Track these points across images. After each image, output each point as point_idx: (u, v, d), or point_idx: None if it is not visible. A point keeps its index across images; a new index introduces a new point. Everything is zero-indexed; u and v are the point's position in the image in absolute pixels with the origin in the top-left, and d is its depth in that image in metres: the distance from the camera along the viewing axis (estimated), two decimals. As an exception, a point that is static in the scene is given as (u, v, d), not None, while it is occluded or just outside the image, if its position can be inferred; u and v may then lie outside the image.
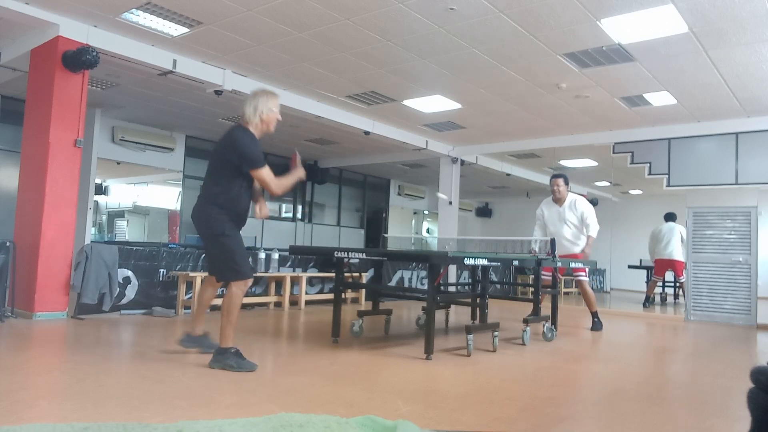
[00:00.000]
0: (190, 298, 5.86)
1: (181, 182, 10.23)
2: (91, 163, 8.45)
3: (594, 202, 14.00)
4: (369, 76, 6.62)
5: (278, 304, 6.89)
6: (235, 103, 7.29)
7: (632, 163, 8.42)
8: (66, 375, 3.12)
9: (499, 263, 6.26)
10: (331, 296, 5.77)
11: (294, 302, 7.04)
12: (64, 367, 3.35)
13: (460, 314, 6.81)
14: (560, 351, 4.61)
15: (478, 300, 5.21)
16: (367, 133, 8.74)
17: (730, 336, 6.17)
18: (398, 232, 14.29)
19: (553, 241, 5.47)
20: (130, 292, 5.69)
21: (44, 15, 5.17)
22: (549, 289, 5.60)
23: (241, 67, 6.44)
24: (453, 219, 10.52)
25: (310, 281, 7.43)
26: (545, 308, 5.42)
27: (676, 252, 9.22)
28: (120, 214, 10.24)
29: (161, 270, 5.96)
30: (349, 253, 4.19)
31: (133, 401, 2.55)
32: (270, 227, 11.84)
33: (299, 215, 12.86)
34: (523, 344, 4.72)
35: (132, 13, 5.16)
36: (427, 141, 9.86)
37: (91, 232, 8.68)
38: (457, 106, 7.70)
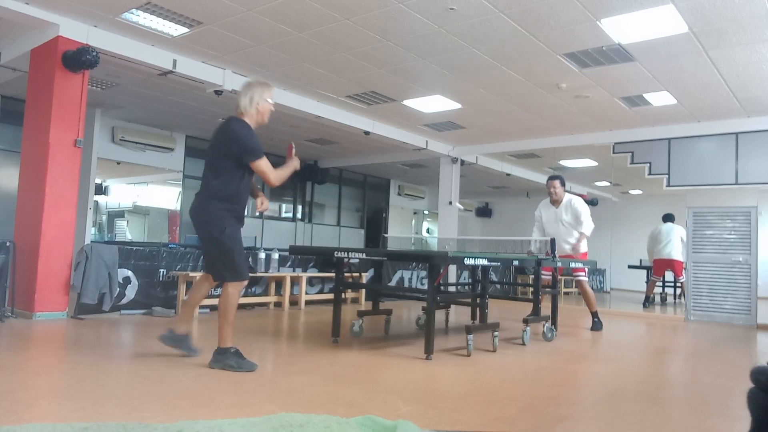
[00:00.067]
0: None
1: (181, 182, 10.23)
2: (91, 163, 8.46)
3: (594, 202, 14.03)
4: (369, 76, 6.62)
5: (278, 304, 6.89)
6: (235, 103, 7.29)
7: (632, 163, 8.42)
8: (66, 375, 3.12)
9: (499, 263, 6.26)
10: (331, 296, 5.77)
11: (294, 302, 7.04)
12: (64, 367, 3.35)
13: (460, 314, 6.81)
14: (560, 351, 4.61)
15: (478, 300, 5.21)
16: (367, 133, 8.74)
17: (730, 336, 6.17)
18: (398, 232, 14.29)
19: (553, 241, 5.47)
20: (130, 292, 5.69)
21: (44, 15, 5.17)
22: (549, 289, 5.60)
23: (241, 67, 6.44)
24: (453, 219, 10.52)
25: (310, 281, 7.43)
26: (545, 308, 5.41)
27: (675, 252, 9.24)
28: (120, 214, 10.24)
29: (161, 270, 5.97)
30: (349, 253, 4.19)
31: (133, 401, 2.55)
32: (270, 227, 11.84)
33: (299, 215, 12.86)
34: (523, 344, 4.72)
35: (132, 13, 5.16)
36: (427, 141, 9.86)
37: (91, 232, 8.68)
38: (457, 106, 7.70)
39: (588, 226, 5.85)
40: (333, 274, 6.23)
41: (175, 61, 6.12)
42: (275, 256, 6.89)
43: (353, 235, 13.99)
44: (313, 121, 8.32)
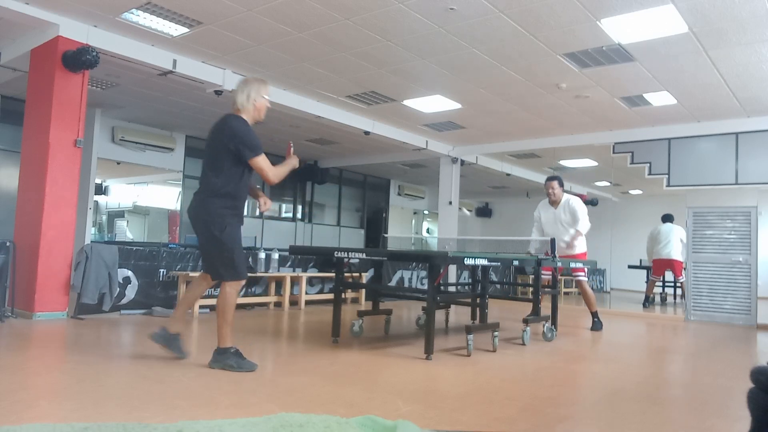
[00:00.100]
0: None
1: (181, 182, 10.23)
2: (91, 163, 8.46)
3: (594, 202, 14.03)
4: (369, 76, 6.62)
5: (278, 304, 6.89)
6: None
7: (632, 163, 8.42)
8: (66, 375, 3.12)
9: (499, 263, 6.26)
10: (331, 296, 5.77)
11: (294, 302, 7.04)
12: (64, 367, 3.35)
13: (460, 314, 6.81)
14: (560, 351, 4.61)
15: (478, 300, 5.21)
16: (367, 133, 8.74)
17: (730, 336, 6.17)
18: (398, 232, 14.29)
19: (553, 240, 5.47)
20: (130, 292, 5.69)
21: (44, 15, 5.17)
22: (549, 289, 5.60)
23: (241, 67, 6.44)
24: (453, 219, 10.52)
25: (310, 281, 7.43)
26: (545, 308, 5.41)
27: (675, 252, 9.26)
28: (120, 214, 10.24)
29: (161, 270, 5.97)
30: (349, 253, 4.19)
31: (133, 401, 2.55)
32: (270, 227, 11.85)
33: (299, 215, 12.86)
34: (523, 344, 4.72)
35: (132, 13, 5.16)
36: (427, 141, 9.86)
37: (91, 232, 8.68)
38: (457, 106, 7.70)
39: (584, 224, 5.85)
40: (333, 274, 6.23)
41: (175, 61, 6.12)
42: (275, 256, 6.89)
43: (353, 235, 14.00)
44: (313, 121, 8.33)
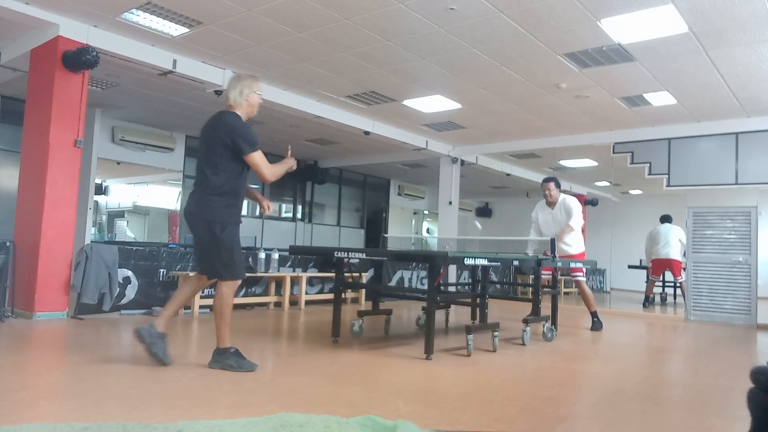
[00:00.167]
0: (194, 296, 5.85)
1: (181, 182, 10.23)
2: (91, 163, 8.46)
3: (594, 202, 14.05)
4: (369, 76, 6.62)
5: (278, 304, 6.89)
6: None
7: (632, 163, 8.42)
8: (66, 375, 3.12)
9: (499, 263, 6.26)
10: (331, 296, 5.77)
11: (294, 302, 7.04)
12: (64, 367, 3.35)
13: (460, 314, 6.81)
14: (560, 351, 4.61)
15: (478, 300, 5.21)
16: (367, 133, 8.74)
17: (730, 336, 6.17)
18: (398, 232, 14.29)
19: (553, 240, 5.47)
20: (130, 292, 5.69)
21: (44, 15, 5.17)
22: (549, 289, 5.60)
23: (241, 67, 6.44)
24: (453, 219, 10.52)
25: (310, 281, 7.43)
26: (545, 308, 5.42)
27: (674, 252, 9.28)
28: (120, 214, 10.24)
29: (161, 270, 5.97)
30: (349, 253, 4.19)
31: (133, 401, 2.55)
32: (270, 227, 11.84)
33: (299, 215, 12.86)
34: (523, 344, 4.72)
35: (132, 13, 5.16)
36: (427, 141, 9.86)
37: (91, 232, 8.68)
38: (457, 106, 7.70)
39: (576, 220, 5.84)
40: (333, 274, 6.23)
41: (175, 61, 6.12)
42: (275, 256, 6.89)
43: (353, 235, 13.99)
44: (313, 121, 8.33)
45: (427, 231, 16.34)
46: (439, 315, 5.63)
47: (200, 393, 2.76)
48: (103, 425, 2.14)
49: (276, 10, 4.93)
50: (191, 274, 5.87)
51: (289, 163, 3.49)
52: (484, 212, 17.65)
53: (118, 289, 5.52)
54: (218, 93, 6.66)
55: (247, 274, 6.19)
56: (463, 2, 4.62)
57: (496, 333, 4.41)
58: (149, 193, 10.69)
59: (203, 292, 6.00)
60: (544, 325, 5.12)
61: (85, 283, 5.23)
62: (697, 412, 2.91)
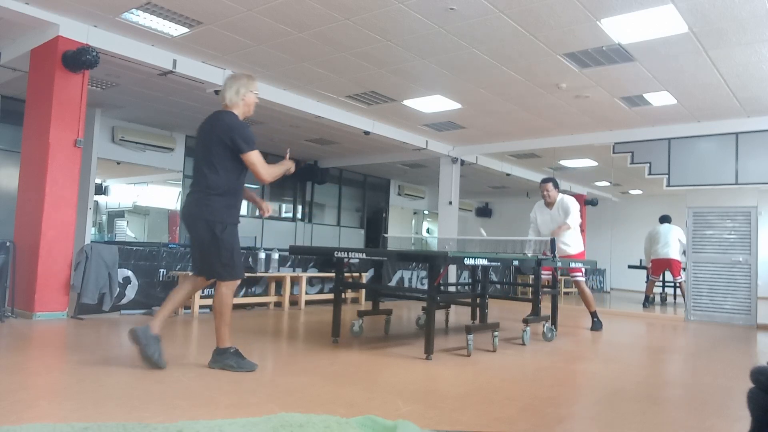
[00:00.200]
0: (190, 297, 5.85)
1: (181, 182, 10.23)
2: (91, 163, 8.46)
3: (594, 202, 14.04)
4: (369, 76, 6.62)
5: (278, 304, 6.89)
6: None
7: (632, 163, 8.42)
8: (66, 375, 3.12)
9: (499, 263, 6.26)
10: (331, 296, 5.77)
11: (294, 302, 7.04)
12: (64, 367, 3.35)
13: (460, 314, 6.81)
14: (560, 351, 4.61)
15: (478, 300, 5.21)
16: (367, 133, 8.74)
17: (730, 336, 6.17)
18: (398, 232, 14.29)
19: (553, 240, 5.47)
20: (130, 292, 5.69)
21: (44, 15, 5.17)
22: (549, 289, 5.60)
23: (241, 67, 6.44)
24: (453, 219, 10.52)
25: (310, 281, 7.43)
26: (545, 308, 5.42)
27: (673, 252, 9.29)
28: (120, 214, 10.24)
29: (161, 270, 5.97)
30: (349, 253, 4.19)
31: (133, 401, 2.55)
32: (270, 227, 11.84)
33: (299, 215, 12.86)
34: (523, 344, 4.72)
35: (132, 13, 5.16)
36: (427, 141, 9.86)
37: (91, 232, 8.68)
38: (457, 106, 7.70)
39: (574, 218, 5.85)
40: (333, 274, 6.23)
41: (175, 61, 6.12)
42: (275, 256, 6.89)
43: (353, 235, 13.99)
44: (313, 121, 8.32)
45: (427, 231, 16.34)
46: (439, 315, 5.63)
47: (200, 393, 2.76)
48: (103, 425, 2.14)
49: (276, 10, 4.93)
50: (191, 274, 5.87)
51: (287, 165, 3.47)
52: (484, 212, 17.65)
53: (118, 289, 5.52)
54: (218, 93, 6.63)
55: (247, 274, 6.19)
56: (463, 2, 4.62)
57: (496, 333, 4.41)
58: (149, 193, 10.69)
59: (203, 292, 6.00)
60: (544, 325, 5.12)
61: (85, 283, 5.23)
62: (697, 412, 2.91)
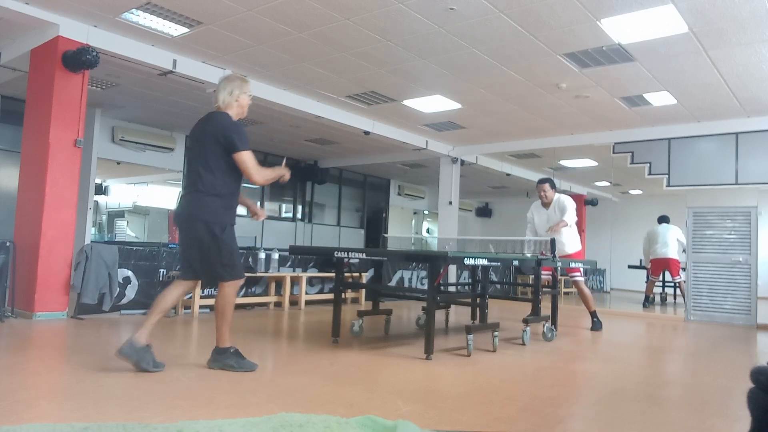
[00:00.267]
0: (190, 298, 5.86)
1: (181, 182, 10.23)
2: (91, 163, 8.46)
3: (594, 202, 14.04)
4: (369, 76, 6.62)
5: (278, 304, 6.89)
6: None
7: (632, 163, 8.42)
8: (66, 375, 3.12)
9: (499, 263, 6.27)
10: (331, 296, 5.77)
11: (294, 302, 7.04)
12: (64, 367, 3.35)
13: (460, 314, 6.81)
14: (560, 351, 4.61)
15: (478, 300, 5.21)
16: (367, 133, 8.74)
17: (730, 336, 6.17)
18: (398, 232, 14.29)
19: (553, 240, 5.47)
20: (130, 292, 5.69)
21: (44, 15, 5.17)
22: (549, 289, 5.60)
23: (241, 67, 6.44)
24: (453, 219, 10.52)
25: (310, 281, 7.43)
26: (545, 308, 5.42)
27: (671, 251, 9.31)
28: (120, 214, 10.24)
29: (161, 270, 5.96)
30: (349, 253, 4.19)
31: (133, 401, 2.55)
32: (270, 227, 11.84)
33: (299, 215, 12.86)
34: (523, 344, 4.72)
35: (132, 13, 5.16)
36: (427, 141, 9.86)
37: (91, 232, 8.68)
38: (457, 106, 7.70)
39: (570, 216, 5.87)
40: (333, 274, 6.23)
41: (175, 61, 6.12)
42: (275, 256, 6.89)
43: (353, 235, 13.99)
44: (313, 121, 8.32)
45: (427, 231, 16.34)
46: (439, 315, 5.63)
47: (200, 393, 2.76)
48: (103, 425, 2.14)
49: (276, 10, 4.93)
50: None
51: (281, 172, 3.44)
52: (484, 212, 17.66)
53: (118, 289, 5.52)
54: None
55: (247, 274, 6.19)
56: (463, 2, 4.62)
57: (496, 333, 4.41)
58: (149, 193, 10.70)
59: (203, 292, 6.01)
60: (544, 325, 5.12)
61: (85, 283, 5.23)
62: (697, 412, 2.91)
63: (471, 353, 4.09)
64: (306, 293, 7.17)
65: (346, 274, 5.71)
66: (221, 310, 3.28)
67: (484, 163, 10.94)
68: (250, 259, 6.63)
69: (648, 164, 8.24)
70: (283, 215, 12.77)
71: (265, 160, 11.25)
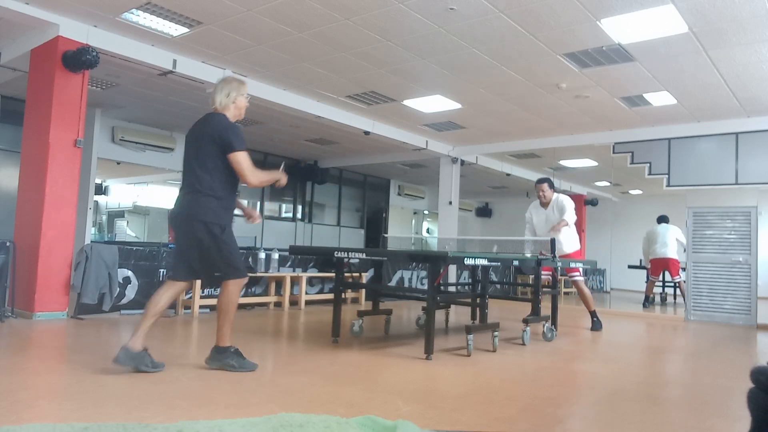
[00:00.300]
0: (190, 297, 5.86)
1: (181, 182, 10.22)
2: (91, 163, 8.46)
3: (594, 202, 14.04)
4: (369, 76, 6.61)
5: (278, 304, 6.89)
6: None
7: (632, 163, 8.42)
8: (66, 375, 3.12)
9: (499, 263, 6.27)
10: (331, 296, 5.77)
11: (294, 302, 7.04)
12: (64, 367, 3.35)
13: (460, 314, 6.81)
14: (560, 351, 4.61)
15: (478, 300, 5.21)
16: (367, 133, 8.74)
17: (730, 336, 6.17)
18: (398, 232, 14.29)
19: (553, 240, 5.47)
20: (130, 292, 5.69)
21: (44, 15, 5.17)
22: (549, 289, 5.60)
23: (241, 67, 6.44)
24: (453, 219, 10.52)
25: (310, 281, 7.43)
26: (545, 308, 5.41)
27: (671, 251, 9.32)
28: (120, 214, 10.24)
29: (161, 270, 5.96)
30: (349, 253, 4.19)
31: (133, 401, 2.55)
32: (270, 227, 11.85)
33: (299, 215, 12.86)
34: (523, 344, 4.72)
35: (132, 13, 5.16)
36: (427, 141, 9.86)
37: (91, 232, 8.68)
38: (457, 106, 7.70)
39: (570, 215, 5.88)
40: (333, 274, 6.23)
41: (175, 61, 6.12)
42: (275, 256, 6.89)
43: (353, 235, 14.00)
44: (313, 121, 8.32)
45: (427, 231, 16.34)
46: (439, 315, 5.63)
47: (200, 393, 2.76)
48: (103, 425, 2.14)
49: (276, 10, 4.93)
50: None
51: (277, 176, 3.43)
52: (484, 212, 17.66)
53: (118, 289, 5.52)
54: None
55: (249, 275, 6.19)
56: (463, 2, 4.62)
57: (496, 333, 4.41)
58: (149, 193, 10.69)
59: (203, 292, 6.00)
60: (544, 325, 5.12)
61: (85, 283, 5.23)
62: (697, 412, 2.91)
63: (471, 353, 4.09)
64: (306, 293, 7.17)
65: (346, 274, 5.71)
66: (224, 308, 3.27)
67: (484, 163, 10.94)
68: (250, 259, 6.63)
69: (648, 164, 8.24)
70: (283, 215, 12.77)
71: (265, 160, 11.26)
